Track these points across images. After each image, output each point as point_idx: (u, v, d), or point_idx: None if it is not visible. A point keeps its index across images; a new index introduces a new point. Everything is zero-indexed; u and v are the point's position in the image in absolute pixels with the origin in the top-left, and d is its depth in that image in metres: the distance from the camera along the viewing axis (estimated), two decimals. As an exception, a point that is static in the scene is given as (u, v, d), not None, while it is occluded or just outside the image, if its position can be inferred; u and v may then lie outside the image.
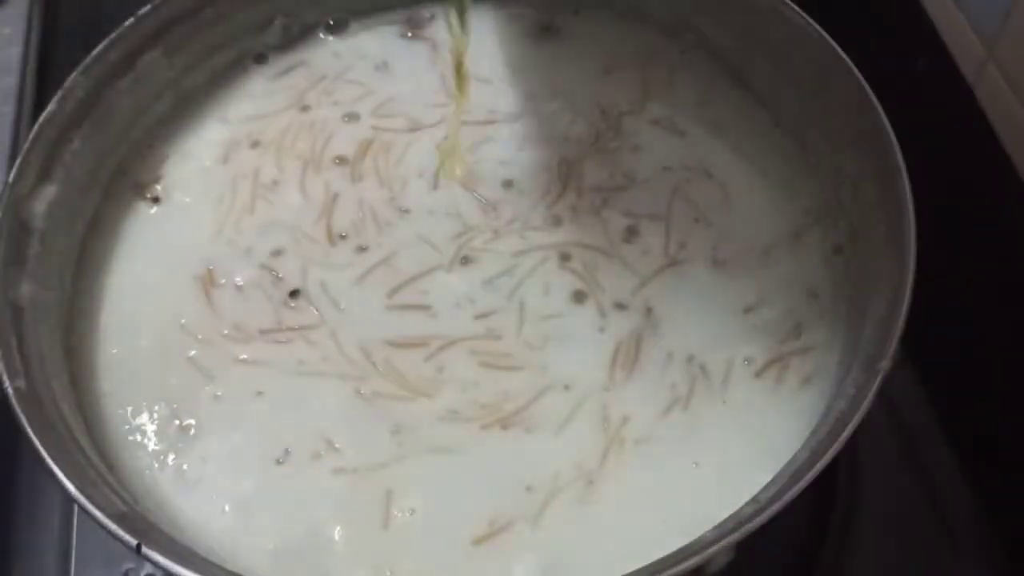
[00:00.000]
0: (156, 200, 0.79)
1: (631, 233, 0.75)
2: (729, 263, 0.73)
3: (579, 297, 0.72)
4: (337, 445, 0.67)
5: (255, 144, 0.81)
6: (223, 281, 0.74)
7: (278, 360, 0.70)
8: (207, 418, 0.69)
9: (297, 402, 0.69)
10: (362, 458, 0.66)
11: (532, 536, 0.63)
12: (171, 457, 0.67)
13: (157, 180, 0.80)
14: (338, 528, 0.64)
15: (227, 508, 0.65)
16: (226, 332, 0.72)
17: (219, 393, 0.69)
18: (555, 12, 0.86)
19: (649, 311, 0.71)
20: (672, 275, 0.73)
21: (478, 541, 0.63)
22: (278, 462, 0.66)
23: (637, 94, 0.82)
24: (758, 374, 0.68)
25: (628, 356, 0.69)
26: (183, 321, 0.73)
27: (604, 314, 0.71)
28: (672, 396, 0.67)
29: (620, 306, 0.71)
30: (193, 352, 0.71)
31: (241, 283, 0.74)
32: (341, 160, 0.80)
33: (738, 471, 0.64)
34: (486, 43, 0.85)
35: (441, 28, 0.87)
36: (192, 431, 0.68)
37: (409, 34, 0.87)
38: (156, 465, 0.67)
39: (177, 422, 0.68)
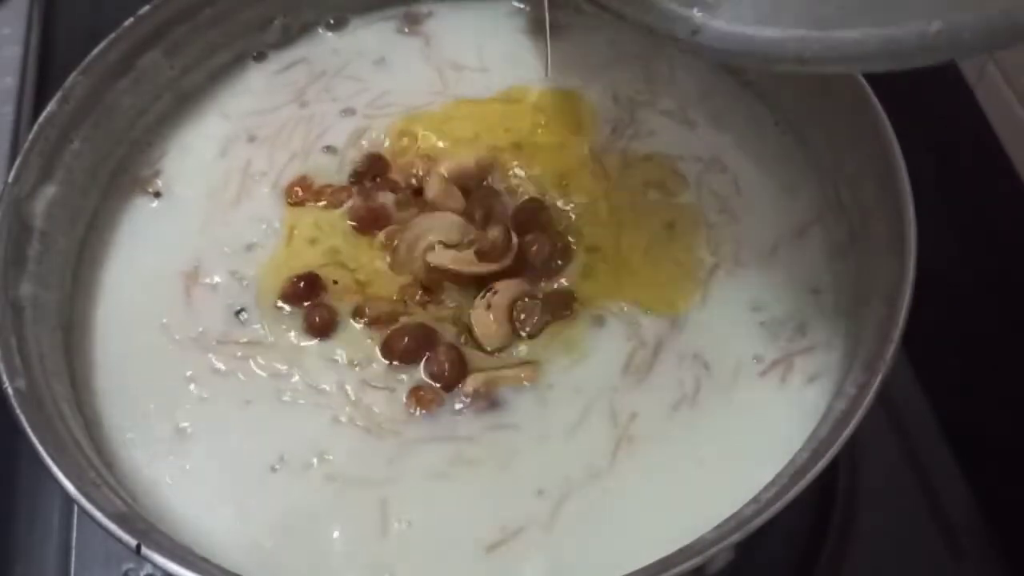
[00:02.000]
0: (158, 195, 0.79)
1: (669, 227, 0.75)
2: (747, 262, 0.73)
3: (599, 321, 0.71)
4: (329, 456, 0.66)
5: (252, 138, 0.81)
6: (206, 280, 0.74)
7: (250, 371, 0.70)
8: (200, 420, 0.68)
9: (284, 415, 0.68)
10: (356, 470, 0.65)
11: (543, 539, 0.62)
12: (168, 457, 0.67)
13: (157, 175, 0.80)
14: (336, 532, 0.64)
15: (224, 508, 0.65)
16: (196, 334, 0.71)
17: (206, 396, 0.69)
18: (553, 8, 0.87)
19: (674, 318, 0.71)
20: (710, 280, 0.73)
21: (490, 548, 0.62)
22: (273, 469, 0.66)
23: (643, 84, 0.83)
24: (763, 373, 0.68)
25: (643, 362, 0.69)
26: (164, 320, 0.72)
27: (635, 333, 0.70)
28: (679, 396, 0.67)
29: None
30: (174, 353, 0.71)
31: (218, 282, 0.74)
32: (329, 149, 0.80)
33: (743, 470, 0.63)
34: (482, 36, 0.86)
35: (437, 23, 0.87)
36: (187, 432, 0.68)
37: (406, 30, 0.87)
38: (154, 464, 0.67)
39: (172, 423, 0.68)
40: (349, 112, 0.82)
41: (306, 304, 0.71)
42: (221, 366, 0.70)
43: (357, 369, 0.69)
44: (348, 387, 0.68)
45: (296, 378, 0.69)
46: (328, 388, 0.68)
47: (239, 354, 0.70)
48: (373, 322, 0.70)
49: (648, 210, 0.75)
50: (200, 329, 0.71)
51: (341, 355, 0.69)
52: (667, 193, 0.76)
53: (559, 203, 0.75)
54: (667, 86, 0.83)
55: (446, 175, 0.76)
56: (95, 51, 0.75)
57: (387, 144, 0.80)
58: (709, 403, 0.67)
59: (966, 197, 0.83)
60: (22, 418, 0.60)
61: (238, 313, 0.72)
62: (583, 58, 0.84)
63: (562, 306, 0.70)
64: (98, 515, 0.57)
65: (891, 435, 0.80)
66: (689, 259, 0.73)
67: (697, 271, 0.72)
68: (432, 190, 0.75)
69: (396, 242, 0.73)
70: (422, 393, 0.67)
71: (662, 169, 0.78)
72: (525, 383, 0.67)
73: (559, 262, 0.72)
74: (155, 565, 0.56)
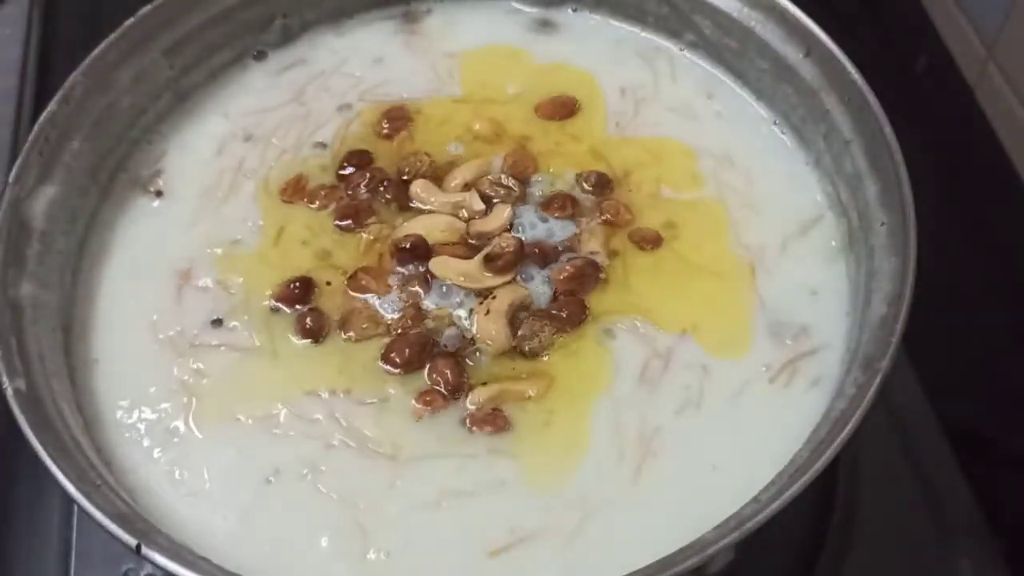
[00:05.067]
0: (159, 193, 0.79)
1: (666, 231, 0.74)
2: (765, 263, 0.73)
3: (609, 333, 0.70)
4: (323, 468, 0.66)
5: (248, 137, 0.81)
6: (196, 281, 0.74)
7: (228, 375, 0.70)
8: (193, 423, 0.68)
9: (274, 427, 0.67)
10: (349, 489, 0.65)
11: (553, 552, 0.62)
12: (166, 457, 0.67)
13: (158, 174, 0.80)
14: (324, 541, 0.63)
15: (223, 510, 0.65)
16: (177, 334, 0.71)
17: (189, 400, 0.69)
18: (552, 7, 0.87)
19: (687, 329, 0.70)
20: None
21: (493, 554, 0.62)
22: (268, 481, 0.65)
23: (647, 81, 0.83)
24: (772, 380, 0.68)
25: (656, 370, 0.68)
26: (154, 318, 0.72)
27: (649, 344, 0.70)
28: (686, 400, 0.67)
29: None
30: (163, 353, 0.71)
31: (207, 283, 0.74)
32: (320, 145, 0.80)
33: (754, 472, 0.63)
34: (481, 35, 0.86)
35: (436, 21, 0.87)
36: (182, 435, 0.67)
37: (405, 28, 0.87)
38: (151, 465, 0.66)
39: (167, 425, 0.68)
40: (345, 108, 0.83)
41: (297, 307, 0.71)
42: (188, 377, 0.70)
43: (345, 381, 0.68)
44: (337, 406, 0.67)
45: (284, 406, 0.68)
46: (317, 415, 0.68)
47: (198, 365, 0.70)
48: (360, 337, 0.70)
49: (665, 208, 0.75)
50: (179, 327, 0.72)
51: (330, 366, 0.69)
52: (681, 189, 0.77)
53: (575, 196, 0.75)
54: (670, 84, 0.83)
55: (469, 176, 0.76)
56: (95, 51, 0.75)
57: (375, 124, 0.80)
58: (714, 409, 0.67)
59: (966, 197, 0.83)
60: (22, 418, 0.60)
61: (218, 321, 0.72)
62: (587, 56, 0.85)
63: (573, 321, 0.69)
64: (98, 515, 0.57)
65: (891, 435, 0.80)
66: (722, 264, 0.73)
67: (738, 281, 0.72)
68: (452, 188, 0.76)
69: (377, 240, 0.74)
70: (429, 398, 0.67)
71: (676, 164, 0.78)
72: (531, 394, 0.67)
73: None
74: (155, 565, 0.56)
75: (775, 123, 0.80)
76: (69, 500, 0.59)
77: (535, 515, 0.63)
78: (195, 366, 0.70)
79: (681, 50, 0.84)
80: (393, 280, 0.72)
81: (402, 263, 0.72)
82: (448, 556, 0.62)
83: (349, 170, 0.78)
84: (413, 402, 0.67)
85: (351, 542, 0.63)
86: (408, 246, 0.72)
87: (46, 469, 0.59)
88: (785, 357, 0.68)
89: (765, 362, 0.68)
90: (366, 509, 0.64)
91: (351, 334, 0.70)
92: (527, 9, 0.87)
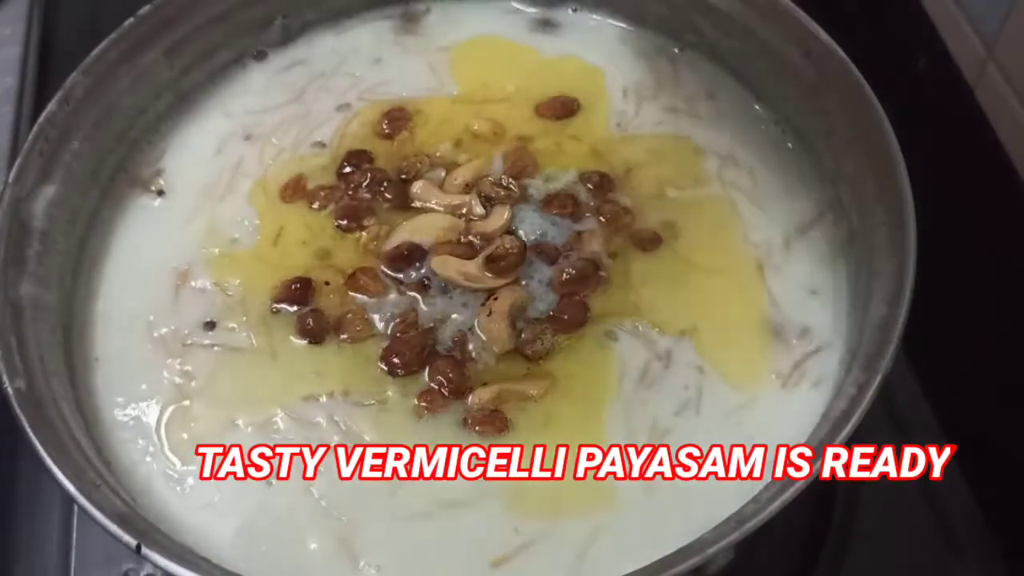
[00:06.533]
0: (160, 193, 0.79)
1: (667, 230, 0.75)
2: (772, 263, 0.73)
3: (611, 335, 0.70)
4: (321, 470, 0.65)
5: (248, 136, 0.81)
6: (194, 281, 0.74)
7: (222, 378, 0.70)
8: (190, 425, 0.68)
9: (273, 431, 0.67)
10: (346, 492, 0.65)
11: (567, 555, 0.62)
12: (163, 456, 0.67)
13: (159, 174, 0.80)
14: (314, 545, 0.63)
15: (223, 512, 0.65)
16: (172, 334, 0.71)
17: (187, 401, 0.69)
18: (552, 7, 0.87)
19: (686, 331, 0.70)
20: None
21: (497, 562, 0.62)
22: (269, 483, 0.65)
23: (649, 82, 0.83)
24: (783, 383, 0.68)
25: (657, 372, 0.68)
26: (151, 318, 0.72)
27: (650, 347, 0.70)
28: (685, 401, 0.67)
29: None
30: (157, 352, 0.71)
31: (205, 283, 0.74)
32: (319, 144, 0.80)
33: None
34: (483, 33, 0.86)
35: (435, 21, 0.88)
36: (180, 435, 0.67)
37: (404, 28, 0.88)
38: (150, 464, 0.67)
39: (163, 424, 0.68)
40: (344, 107, 0.83)
41: (298, 308, 0.71)
42: (179, 379, 0.70)
43: (344, 383, 0.68)
44: (336, 409, 0.67)
45: (283, 410, 0.68)
46: (318, 418, 0.67)
47: (188, 367, 0.70)
48: (356, 338, 0.70)
49: (666, 208, 0.75)
50: (174, 327, 0.72)
51: (329, 367, 0.69)
52: (685, 188, 0.76)
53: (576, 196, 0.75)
54: (672, 84, 0.83)
55: (469, 176, 0.76)
56: (95, 51, 0.75)
57: (375, 123, 0.81)
58: (715, 409, 0.67)
59: (966, 197, 0.83)
60: (22, 418, 0.60)
61: (211, 324, 0.71)
62: (588, 55, 0.85)
63: (575, 323, 0.69)
64: (98, 515, 0.57)
65: (891, 435, 0.80)
66: (728, 264, 0.73)
67: (744, 280, 0.72)
68: (452, 188, 0.76)
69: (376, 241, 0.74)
70: (429, 398, 0.67)
71: (678, 163, 0.78)
72: (532, 394, 0.67)
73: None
74: (155, 565, 0.56)
75: (776, 123, 0.80)
76: (69, 500, 0.59)
77: (538, 520, 0.63)
78: (187, 368, 0.70)
79: (682, 50, 0.84)
80: (391, 281, 0.72)
81: (398, 270, 0.72)
82: (449, 562, 0.62)
83: (349, 170, 0.78)
84: (415, 401, 0.67)
85: (343, 548, 0.63)
86: (406, 252, 0.72)
87: (46, 469, 0.59)
88: (792, 358, 0.68)
89: (774, 365, 0.68)
90: (363, 514, 0.64)
91: (346, 336, 0.70)
92: (527, 9, 0.87)
